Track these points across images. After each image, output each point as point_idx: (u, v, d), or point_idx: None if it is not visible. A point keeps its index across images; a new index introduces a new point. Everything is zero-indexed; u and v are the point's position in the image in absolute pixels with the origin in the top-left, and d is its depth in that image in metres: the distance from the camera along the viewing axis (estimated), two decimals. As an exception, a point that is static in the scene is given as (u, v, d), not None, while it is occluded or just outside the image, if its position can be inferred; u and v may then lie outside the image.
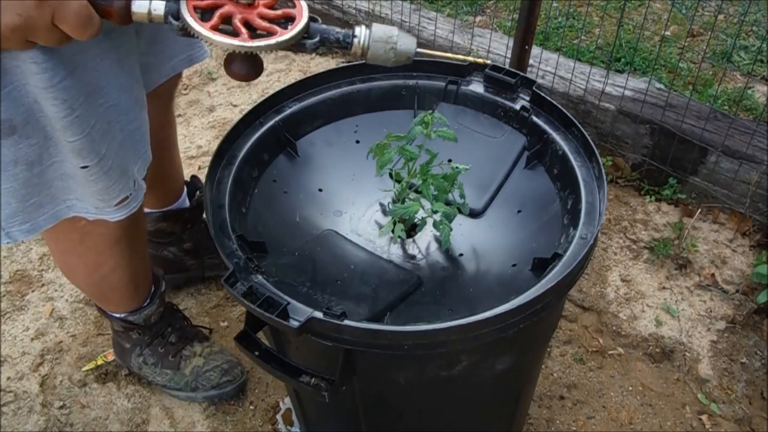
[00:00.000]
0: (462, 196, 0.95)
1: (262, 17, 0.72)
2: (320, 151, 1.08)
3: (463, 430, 1.08)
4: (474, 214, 1.00)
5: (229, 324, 1.59)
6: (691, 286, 1.66)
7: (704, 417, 1.41)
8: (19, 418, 1.41)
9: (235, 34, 0.70)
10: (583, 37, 2.38)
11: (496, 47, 2.12)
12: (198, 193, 1.55)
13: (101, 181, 0.93)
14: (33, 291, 1.67)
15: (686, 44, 2.33)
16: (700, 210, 1.79)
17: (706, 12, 2.56)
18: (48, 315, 1.61)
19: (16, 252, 1.76)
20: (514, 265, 0.92)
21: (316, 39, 0.73)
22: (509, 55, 1.80)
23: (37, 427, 1.39)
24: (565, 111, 1.00)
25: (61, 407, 1.43)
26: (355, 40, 0.74)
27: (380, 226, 1.00)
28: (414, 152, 0.93)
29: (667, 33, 2.46)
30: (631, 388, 1.47)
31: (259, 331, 0.85)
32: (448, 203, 0.95)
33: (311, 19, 0.74)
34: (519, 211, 1.00)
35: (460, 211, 0.96)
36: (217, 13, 0.71)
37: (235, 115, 2.26)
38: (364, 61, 0.77)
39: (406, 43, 0.75)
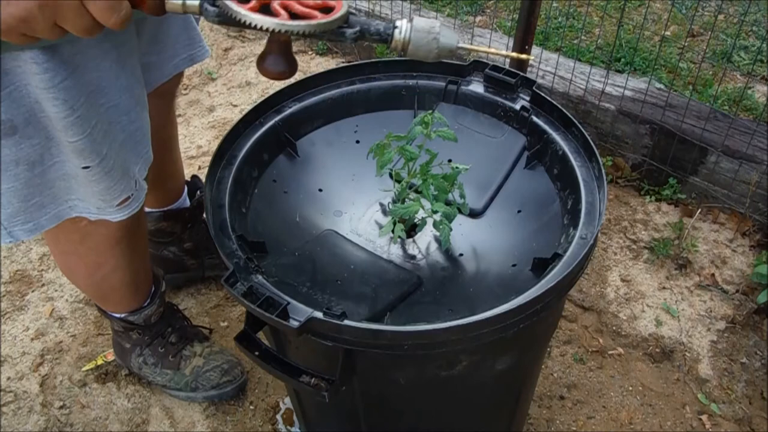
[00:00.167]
0: (462, 196, 0.95)
1: (301, 4, 0.70)
2: (320, 151, 1.08)
3: (463, 429, 1.08)
4: (474, 214, 1.00)
5: (229, 324, 1.59)
6: (691, 286, 1.66)
7: (704, 417, 1.41)
8: (19, 418, 1.41)
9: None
10: (583, 37, 2.38)
11: (496, 47, 2.12)
12: (198, 192, 1.55)
13: (103, 181, 0.93)
14: (33, 291, 1.67)
15: (686, 44, 2.33)
16: (700, 210, 1.79)
17: (706, 12, 2.56)
18: (48, 315, 1.61)
19: (16, 252, 1.76)
20: (514, 265, 0.92)
21: (356, 29, 0.70)
22: (509, 55, 1.80)
23: (37, 427, 1.39)
24: (565, 111, 1.00)
25: (61, 407, 1.43)
26: (396, 33, 0.71)
27: (380, 226, 1.00)
28: (414, 152, 0.93)
29: (667, 33, 2.46)
30: (631, 388, 1.47)
31: (259, 331, 0.85)
32: (448, 203, 0.95)
33: (350, 12, 0.72)
34: (519, 211, 1.00)
35: (460, 211, 0.96)
36: None
37: (235, 115, 2.26)
38: (404, 57, 0.73)
39: (449, 37, 0.72)
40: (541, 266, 0.88)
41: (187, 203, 1.53)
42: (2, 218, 0.92)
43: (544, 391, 1.45)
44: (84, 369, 1.49)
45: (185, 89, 2.42)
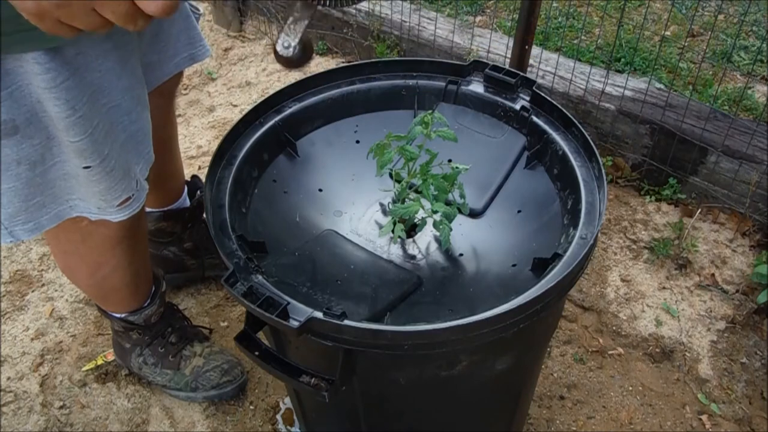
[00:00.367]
0: (462, 196, 0.95)
1: None
2: (320, 151, 1.08)
3: (463, 430, 1.08)
4: (474, 214, 1.00)
5: (229, 324, 1.59)
6: (691, 286, 1.66)
7: (704, 417, 1.41)
8: (19, 418, 1.41)
9: None
10: (583, 37, 2.38)
11: (496, 47, 2.12)
12: (198, 192, 1.55)
13: (104, 181, 0.93)
14: (33, 291, 1.67)
15: (686, 44, 2.33)
16: (700, 210, 1.79)
17: (706, 12, 2.56)
18: (48, 315, 1.61)
19: (16, 252, 1.76)
20: (514, 265, 0.92)
21: None
22: (509, 55, 1.80)
23: (37, 427, 1.39)
24: (565, 111, 1.00)
25: (61, 407, 1.43)
26: None
27: (380, 226, 1.00)
28: (414, 152, 0.93)
29: (667, 33, 2.46)
30: (631, 388, 1.47)
31: (259, 331, 0.85)
32: (448, 203, 0.95)
33: None
34: (519, 211, 1.00)
35: (460, 211, 0.96)
36: None
37: (235, 115, 2.26)
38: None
39: None
40: (541, 266, 0.88)
41: (187, 203, 1.53)
42: (3, 218, 0.92)
43: (544, 391, 1.45)
44: (84, 369, 1.49)
45: (185, 89, 2.42)
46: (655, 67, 2.17)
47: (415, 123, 0.92)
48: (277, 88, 1.07)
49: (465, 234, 0.99)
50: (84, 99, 0.84)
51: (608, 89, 1.89)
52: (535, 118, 1.03)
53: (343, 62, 2.50)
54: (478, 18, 2.51)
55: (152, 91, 1.11)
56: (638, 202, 1.88)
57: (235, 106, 2.33)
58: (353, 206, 1.03)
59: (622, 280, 1.67)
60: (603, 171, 0.91)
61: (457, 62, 1.11)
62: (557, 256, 0.85)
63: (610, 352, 1.53)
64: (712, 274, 1.67)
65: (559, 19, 2.50)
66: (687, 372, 1.49)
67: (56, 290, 1.67)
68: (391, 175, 1.01)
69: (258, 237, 0.92)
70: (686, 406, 1.44)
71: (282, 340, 0.92)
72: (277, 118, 1.04)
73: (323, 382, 0.80)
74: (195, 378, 1.39)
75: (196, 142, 2.16)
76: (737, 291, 1.63)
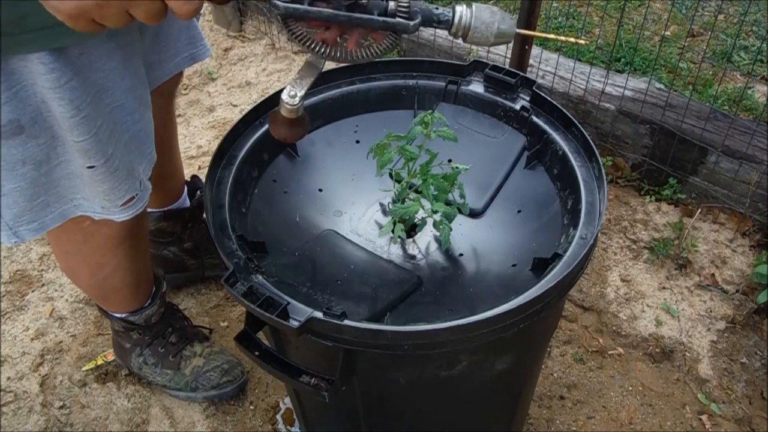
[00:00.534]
0: (462, 196, 0.95)
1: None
2: (320, 151, 1.08)
3: (463, 430, 1.08)
4: (474, 214, 1.00)
5: (229, 324, 1.59)
6: (691, 286, 1.66)
7: (704, 417, 1.41)
8: (19, 418, 1.41)
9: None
10: (583, 37, 2.37)
11: (496, 47, 2.12)
12: (198, 192, 1.55)
13: (108, 181, 0.94)
14: (33, 291, 1.67)
15: (686, 44, 2.33)
16: (700, 210, 1.79)
17: (706, 12, 2.56)
18: (48, 315, 1.61)
19: (16, 252, 1.76)
20: (514, 265, 0.92)
21: (418, 20, 0.70)
22: (509, 55, 1.80)
23: (37, 427, 1.39)
24: (565, 111, 1.00)
25: (61, 407, 1.43)
26: (456, 19, 0.71)
27: (380, 226, 1.00)
28: (414, 152, 0.93)
29: (667, 33, 2.46)
30: (631, 388, 1.47)
31: (259, 331, 0.85)
32: (448, 203, 0.95)
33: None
34: (519, 211, 1.00)
35: (460, 211, 0.96)
36: None
37: (235, 115, 2.26)
38: (463, 41, 0.74)
39: (508, 23, 0.73)
40: (541, 266, 0.88)
41: (187, 203, 1.53)
42: (8, 218, 0.93)
43: (544, 391, 1.45)
44: (84, 369, 1.49)
45: (185, 89, 2.42)
46: (655, 67, 2.17)
47: (415, 123, 0.92)
48: (277, 88, 1.07)
49: (465, 234, 0.99)
50: (88, 99, 0.84)
51: (608, 89, 1.89)
52: (535, 118, 1.03)
53: (343, 62, 2.49)
54: (478, 18, 2.51)
55: (152, 91, 1.11)
56: (638, 202, 1.88)
57: (235, 106, 2.33)
58: (353, 206, 1.03)
59: (622, 280, 1.67)
60: (603, 171, 0.91)
61: (457, 62, 1.11)
62: (557, 256, 0.85)
63: (610, 352, 1.53)
64: (712, 274, 1.67)
65: (559, 19, 2.50)
66: (687, 372, 1.49)
67: (56, 290, 1.67)
68: (391, 175, 1.01)
69: (258, 237, 0.92)
70: (686, 406, 1.44)
71: (282, 340, 0.92)
72: (277, 118, 1.04)
73: (323, 382, 0.80)
74: (195, 378, 1.39)
75: (196, 142, 2.16)
76: (737, 291, 1.63)
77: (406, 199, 0.97)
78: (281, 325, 0.75)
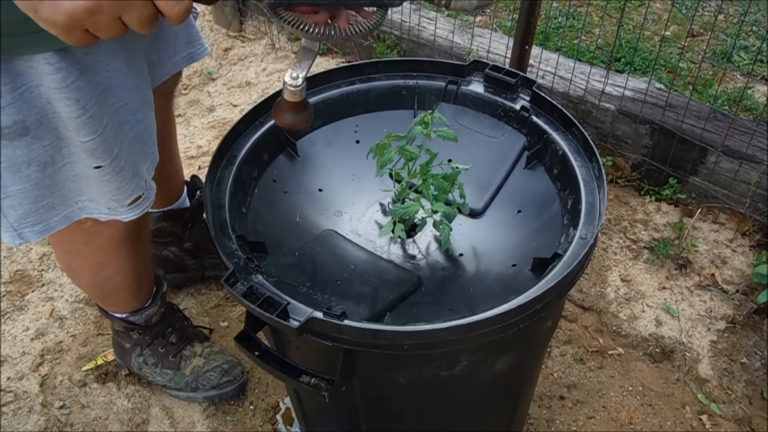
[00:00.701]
0: (462, 196, 0.95)
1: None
2: (320, 151, 1.08)
3: (463, 430, 1.08)
4: (474, 214, 1.00)
5: (229, 324, 1.59)
6: (691, 286, 1.66)
7: (704, 417, 1.41)
8: (19, 418, 1.41)
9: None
10: (583, 37, 2.38)
11: (496, 47, 2.12)
12: (198, 192, 1.55)
13: (114, 181, 0.94)
14: (33, 291, 1.67)
15: (686, 44, 2.33)
16: (700, 210, 1.79)
17: (706, 12, 2.56)
18: (48, 315, 1.61)
19: (16, 252, 1.76)
20: (514, 265, 0.92)
21: None
22: (509, 55, 1.80)
23: (37, 427, 1.39)
24: (565, 111, 1.00)
25: (61, 407, 1.43)
26: None
27: (380, 226, 1.00)
28: (414, 152, 0.93)
29: (667, 33, 2.46)
30: (631, 388, 1.47)
31: (259, 331, 0.85)
32: (448, 203, 0.95)
33: None
34: (519, 211, 1.00)
35: (460, 211, 0.96)
36: None
37: (235, 115, 2.26)
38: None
39: None
40: (541, 266, 0.88)
41: (187, 203, 1.54)
42: (13, 220, 0.93)
43: (544, 391, 1.45)
44: (84, 369, 1.49)
45: (185, 89, 2.42)
46: (655, 67, 2.17)
47: (415, 123, 0.92)
48: (277, 88, 1.07)
49: (465, 234, 0.99)
50: (94, 99, 0.85)
51: (608, 89, 1.89)
52: (535, 118, 1.03)
53: (343, 62, 2.50)
54: (478, 18, 2.51)
55: (153, 91, 1.11)
56: (638, 202, 1.88)
57: (235, 106, 2.33)
58: (353, 206, 1.03)
59: (622, 280, 1.67)
60: (603, 171, 0.91)
61: (457, 62, 1.11)
62: (557, 256, 0.85)
63: (610, 352, 1.53)
64: (712, 274, 1.67)
65: (559, 19, 2.50)
66: (687, 372, 1.49)
67: (56, 290, 1.67)
68: (391, 175, 1.01)
69: (258, 237, 0.92)
70: (686, 406, 1.44)
71: (282, 340, 0.92)
72: (277, 118, 1.04)
73: (323, 382, 0.80)
74: (195, 378, 1.39)
75: (196, 142, 2.16)
76: (737, 291, 1.63)
77: (406, 199, 0.97)
78: (281, 325, 0.75)
